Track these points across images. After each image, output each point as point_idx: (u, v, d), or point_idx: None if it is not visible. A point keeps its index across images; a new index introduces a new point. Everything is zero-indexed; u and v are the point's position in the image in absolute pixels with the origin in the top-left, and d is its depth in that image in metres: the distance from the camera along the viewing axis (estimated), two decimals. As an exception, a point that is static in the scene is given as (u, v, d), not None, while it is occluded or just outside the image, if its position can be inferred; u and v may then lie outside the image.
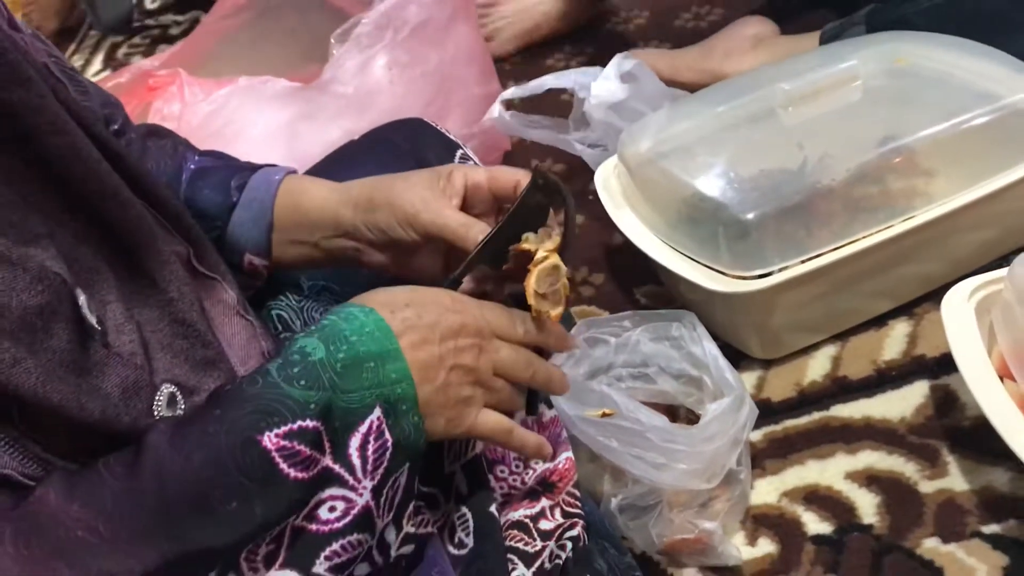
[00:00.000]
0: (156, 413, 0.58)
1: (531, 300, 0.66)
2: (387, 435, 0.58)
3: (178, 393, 0.60)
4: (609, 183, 1.19)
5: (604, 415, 0.92)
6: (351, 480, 0.57)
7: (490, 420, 0.65)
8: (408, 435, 0.59)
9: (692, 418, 1.01)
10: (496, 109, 1.25)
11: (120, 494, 0.51)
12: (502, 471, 0.78)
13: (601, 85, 1.17)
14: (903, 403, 1.01)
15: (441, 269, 0.77)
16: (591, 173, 1.30)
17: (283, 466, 0.53)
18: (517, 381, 0.67)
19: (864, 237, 1.02)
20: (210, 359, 0.64)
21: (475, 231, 0.72)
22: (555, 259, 0.69)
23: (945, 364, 1.03)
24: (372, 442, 0.57)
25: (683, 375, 0.99)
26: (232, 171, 0.81)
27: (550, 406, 0.84)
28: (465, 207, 0.75)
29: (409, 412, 0.59)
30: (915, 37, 1.15)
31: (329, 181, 0.81)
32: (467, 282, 0.72)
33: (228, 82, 1.18)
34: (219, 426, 0.53)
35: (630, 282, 1.27)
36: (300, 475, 0.54)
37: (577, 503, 0.79)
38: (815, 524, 0.93)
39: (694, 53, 1.53)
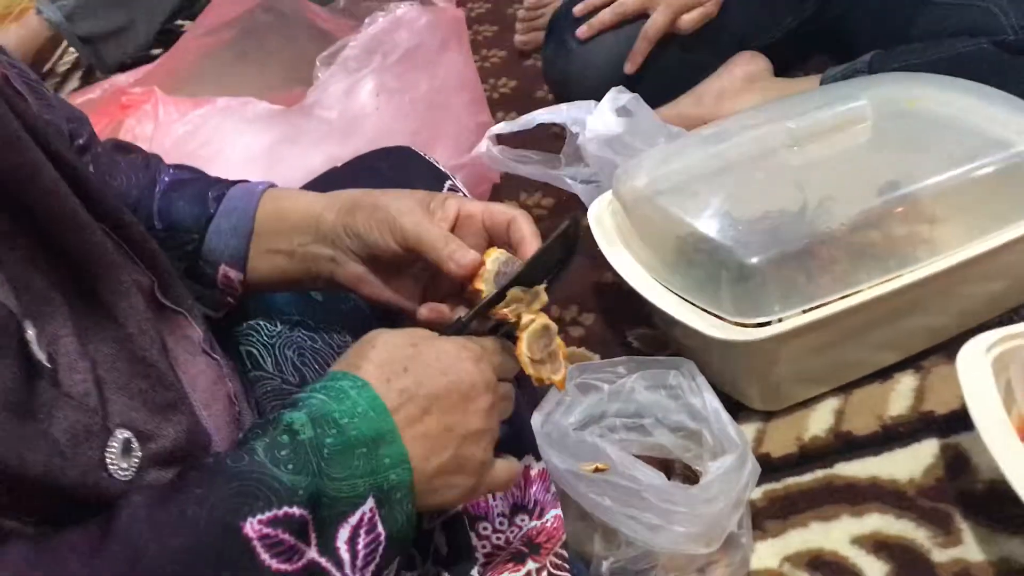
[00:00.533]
0: (108, 461, 0.52)
1: (529, 370, 0.63)
2: (380, 528, 0.54)
3: (133, 439, 0.55)
4: (603, 219, 1.13)
5: (597, 470, 0.86)
6: (339, 574, 0.52)
7: (503, 473, 0.62)
8: (402, 526, 0.55)
9: (688, 474, 0.95)
10: (485, 144, 1.20)
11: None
12: (485, 528, 0.73)
13: (596, 119, 1.12)
14: (912, 462, 0.96)
15: (419, 298, 0.72)
16: (581, 209, 1.25)
17: (264, 556, 0.49)
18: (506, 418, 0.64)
19: (872, 287, 0.97)
20: (170, 402, 0.58)
21: (456, 248, 0.67)
22: (543, 319, 0.65)
23: (955, 422, 0.98)
24: (363, 536, 0.53)
25: (681, 428, 0.93)
26: (209, 183, 0.77)
27: (538, 458, 0.78)
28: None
29: (404, 501, 0.55)
30: (928, 79, 1.11)
31: (316, 192, 0.76)
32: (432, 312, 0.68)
33: (206, 102, 1.12)
34: (200, 509, 0.48)
35: (622, 323, 1.21)
36: (282, 567, 0.50)
37: (565, 565, 0.73)
38: (820, 594, 0.87)
39: (686, 101, 1.48)
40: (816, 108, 1.06)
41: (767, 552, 0.91)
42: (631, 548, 0.85)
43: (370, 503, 0.53)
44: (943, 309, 1.05)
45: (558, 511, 0.75)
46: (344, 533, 0.52)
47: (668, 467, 0.96)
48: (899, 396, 1.03)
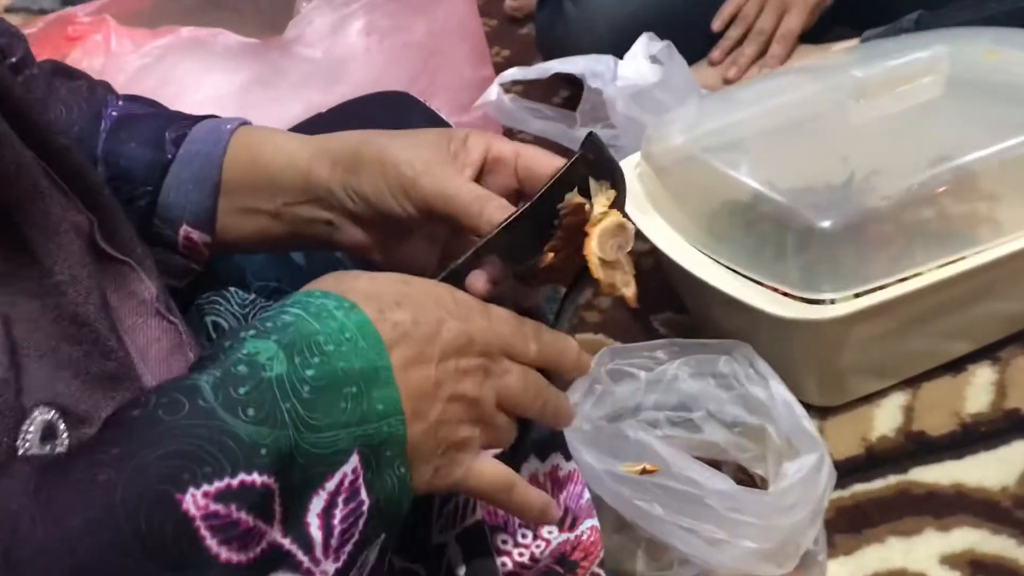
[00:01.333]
0: (22, 449, 0.42)
1: (597, 272, 0.50)
2: (363, 494, 0.43)
3: (60, 421, 0.44)
4: (631, 185, 0.97)
5: (644, 471, 0.71)
6: (307, 561, 0.41)
7: (487, 472, 0.49)
8: (392, 493, 0.44)
9: (743, 478, 0.80)
10: (494, 91, 1.04)
11: None
12: (504, 542, 0.61)
13: (628, 66, 0.97)
14: (1002, 468, 0.82)
15: (438, 263, 0.59)
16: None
17: (210, 542, 0.38)
18: (522, 414, 0.51)
19: (953, 262, 0.83)
20: (112, 374, 0.47)
21: (492, 208, 0.53)
22: (617, 216, 0.51)
23: (1048, 422, 0.84)
24: (341, 505, 0.42)
25: (737, 423, 0.78)
26: (167, 120, 0.63)
27: (568, 457, 0.64)
28: (479, 184, 0.57)
29: (394, 460, 0.44)
30: (1009, 32, 0.98)
31: (300, 134, 0.62)
32: (471, 279, 0.53)
33: (167, 32, 0.95)
34: (116, 473, 0.37)
35: (644, 308, 1.07)
36: (233, 556, 0.38)
37: None
38: (910, 623, 0.72)
39: (709, 68, 1.34)
40: (888, 56, 0.92)
41: (840, 572, 0.77)
42: (685, 567, 0.70)
43: (354, 461, 0.42)
44: (1018, 294, 0.91)
45: (595, 521, 0.62)
46: (318, 503, 0.41)
47: (717, 470, 0.81)
48: (977, 391, 0.90)
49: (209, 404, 0.39)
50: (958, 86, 0.93)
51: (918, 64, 0.93)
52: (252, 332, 0.42)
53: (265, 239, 0.61)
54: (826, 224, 0.79)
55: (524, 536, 0.62)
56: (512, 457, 0.61)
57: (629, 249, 0.52)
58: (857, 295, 0.81)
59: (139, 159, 0.61)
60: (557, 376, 0.54)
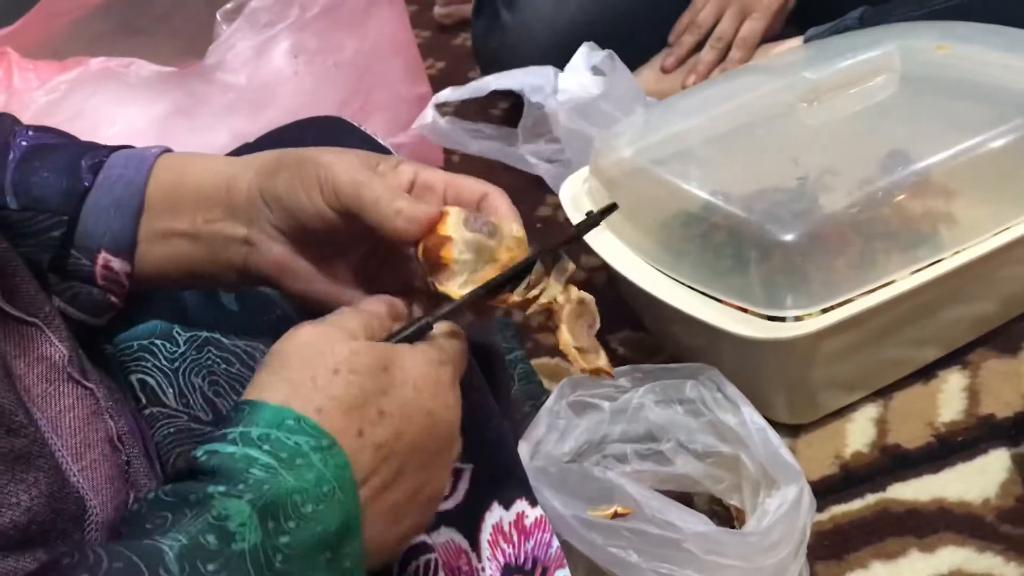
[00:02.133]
0: None
1: (578, 363, 0.49)
2: None
3: None
4: (579, 201, 0.94)
5: (616, 515, 0.66)
6: None
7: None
8: None
9: (718, 511, 0.76)
10: (429, 114, 0.99)
11: None
12: None
13: (569, 78, 0.92)
14: (982, 479, 0.79)
15: (356, 285, 0.55)
16: (542, 194, 1.07)
17: None
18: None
19: (920, 270, 0.80)
20: (22, 453, 0.43)
21: (401, 205, 0.50)
22: (576, 294, 0.50)
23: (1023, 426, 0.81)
24: None
25: (710, 453, 0.74)
26: (82, 149, 0.59)
27: (533, 502, 0.60)
28: None
29: None
30: (957, 26, 0.96)
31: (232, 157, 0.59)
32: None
33: (76, 64, 0.88)
34: None
35: (601, 327, 1.01)
36: None
37: None
38: (902, 656, 0.69)
39: (649, 73, 1.30)
40: (838, 55, 0.89)
41: (825, 604, 0.72)
42: (665, 615, 0.65)
43: None
44: (985, 296, 0.89)
45: (566, 571, 0.58)
46: None
47: (688, 504, 0.76)
48: (949, 398, 0.87)
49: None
50: (911, 84, 0.90)
51: (870, 63, 0.89)
52: (222, 488, 0.38)
53: (181, 266, 0.56)
54: (788, 237, 0.75)
55: (489, 590, 0.58)
56: (474, 507, 0.58)
57: (596, 324, 0.51)
58: (824, 310, 0.77)
59: (53, 187, 0.56)
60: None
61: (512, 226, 0.50)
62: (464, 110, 1.29)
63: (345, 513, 0.40)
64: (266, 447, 0.40)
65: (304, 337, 0.45)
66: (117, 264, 0.56)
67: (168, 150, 0.58)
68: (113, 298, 0.57)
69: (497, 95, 1.31)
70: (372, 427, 0.42)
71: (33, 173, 0.57)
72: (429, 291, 0.51)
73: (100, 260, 0.56)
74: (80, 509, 0.45)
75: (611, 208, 0.56)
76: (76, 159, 0.57)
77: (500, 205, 0.52)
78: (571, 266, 0.51)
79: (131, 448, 0.53)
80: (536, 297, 0.48)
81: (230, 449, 0.40)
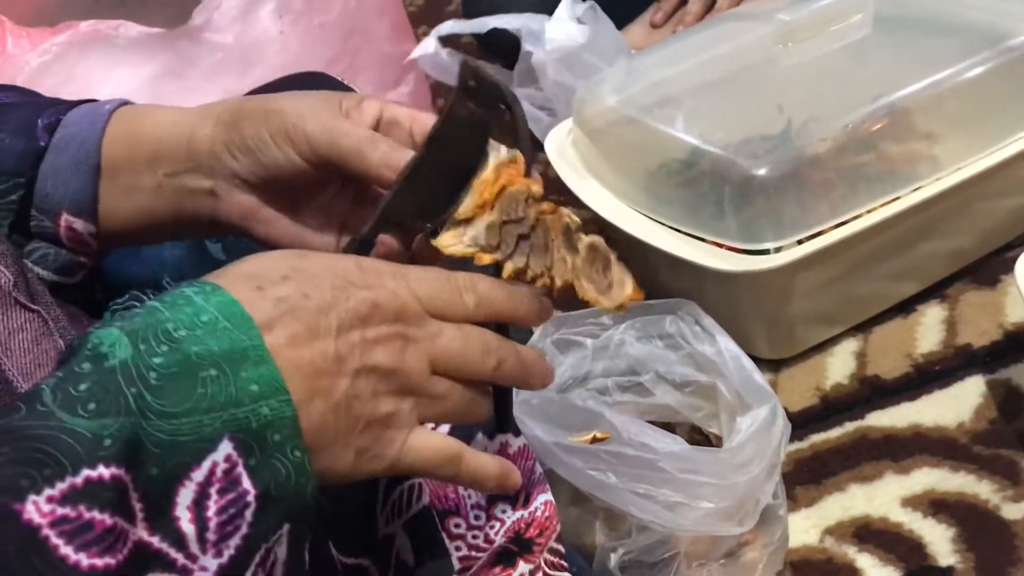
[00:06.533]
0: None
1: (605, 304, 0.47)
2: (245, 483, 0.39)
3: None
4: (564, 151, 0.96)
5: (595, 440, 0.69)
6: (181, 558, 0.38)
7: (426, 446, 0.45)
8: (285, 480, 0.40)
9: (699, 439, 0.78)
10: (432, 44, 1.00)
11: None
12: (457, 525, 0.58)
13: (556, 27, 0.93)
14: (957, 404, 0.81)
15: (326, 226, 0.55)
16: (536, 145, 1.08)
17: (65, 550, 0.34)
18: (472, 378, 0.46)
19: (891, 202, 0.82)
20: None
21: (386, 147, 0.50)
22: (585, 243, 0.48)
23: (1000, 354, 0.84)
24: (216, 495, 0.38)
25: (688, 383, 0.76)
26: (40, 108, 0.58)
27: (517, 433, 0.62)
28: None
29: (285, 444, 0.40)
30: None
31: (185, 107, 0.58)
32: (380, 242, 0.50)
33: (66, 28, 0.90)
34: None
35: (591, 276, 1.04)
36: (97, 561, 0.35)
37: (563, 563, 0.59)
38: (876, 570, 0.72)
39: (637, 29, 1.31)
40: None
41: (803, 525, 0.75)
42: (645, 534, 0.68)
43: (226, 448, 0.38)
44: (961, 229, 0.90)
45: (548, 496, 0.60)
46: (186, 495, 0.37)
47: (671, 432, 0.79)
48: (927, 330, 0.89)
49: (47, 407, 0.35)
50: (885, 22, 0.92)
51: (844, 3, 0.91)
52: (99, 325, 0.38)
53: (148, 221, 0.56)
54: (762, 172, 0.78)
55: (478, 518, 0.59)
56: (459, 439, 0.59)
57: (615, 256, 0.48)
58: (800, 242, 0.79)
59: (9, 150, 0.56)
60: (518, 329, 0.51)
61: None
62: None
63: (231, 340, 0.39)
64: (155, 300, 0.40)
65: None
66: (80, 225, 0.56)
67: (126, 102, 0.58)
68: (82, 258, 0.57)
69: (492, 55, 1.33)
70: (273, 286, 0.41)
71: None
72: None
73: (63, 222, 0.56)
74: None
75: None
76: (33, 119, 0.57)
77: None
78: (517, 154, 0.48)
79: None
80: (545, 276, 0.47)
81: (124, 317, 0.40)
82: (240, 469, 0.38)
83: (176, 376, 0.38)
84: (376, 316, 0.43)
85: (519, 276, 0.48)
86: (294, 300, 0.41)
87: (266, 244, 0.55)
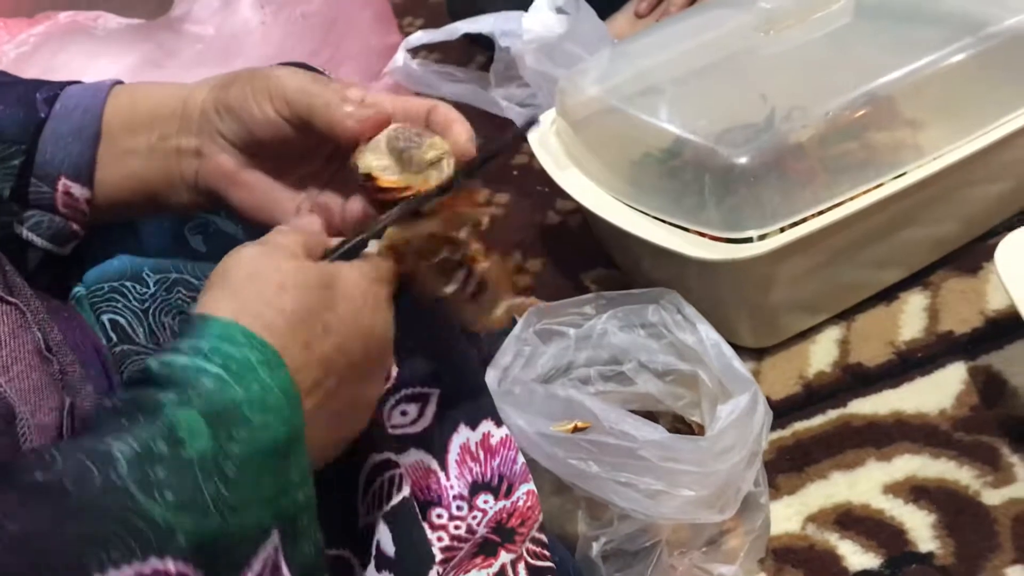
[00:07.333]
0: None
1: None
2: (284, 570, 0.40)
3: None
4: (548, 142, 0.95)
5: (576, 429, 0.69)
6: None
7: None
8: (309, 560, 0.42)
9: (681, 428, 0.78)
10: (401, 57, 1.00)
11: None
12: (439, 516, 0.59)
13: (533, 18, 0.93)
14: (939, 391, 0.81)
15: (309, 210, 0.56)
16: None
17: None
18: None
19: (873, 189, 0.82)
20: None
21: (350, 110, 0.52)
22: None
23: (981, 341, 0.84)
24: None
25: (670, 371, 0.76)
26: (35, 85, 0.60)
27: (499, 423, 0.62)
28: None
29: (311, 527, 0.42)
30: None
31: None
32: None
33: (44, 18, 0.89)
34: (13, 558, 0.32)
35: (574, 267, 1.05)
36: None
37: (546, 552, 0.60)
38: (857, 556, 0.72)
39: (622, 18, 1.31)
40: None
41: (785, 513, 0.75)
42: (626, 523, 0.68)
43: (275, 539, 0.39)
44: (944, 216, 0.90)
45: (531, 485, 0.60)
46: None
47: (652, 421, 0.79)
48: (910, 318, 0.89)
49: (123, 481, 0.35)
50: (867, 10, 0.92)
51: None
52: (173, 396, 0.38)
53: (139, 186, 0.57)
54: (744, 160, 0.77)
55: (460, 508, 0.60)
56: (441, 429, 0.60)
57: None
58: (783, 230, 0.79)
59: (9, 119, 0.57)
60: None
61: (437, 138, 0.51)
62: (443, 61, 1.31)
63: (291, 425, 0.41)
64: (216, 359, 0.40)
65: (248, 255, 0.46)
66: (77, 190, 0.57)
67: (120, 82, 0.59)
68: (75, 225, 0.58)
69: (475, 48, 1.32)
70: (318, 341, 0.43)
71: None
72: (373, 207, 0.53)
73: (60, 187, 0.57)
74: (10, 414, 0.46)
75: (532, 122, 0.57)
76: (31, 93, 0.58)
77: (449, 112, 0.53)
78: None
79: (64, 356, 0.53)
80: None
81: (182, 360, 0.40)
82: (280, 557, 0.39)
83: (250, 466, 0.39)
84: (387, 354, 0.49)
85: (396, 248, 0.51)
86: (334, 358, 0.44)
87: (239, 214, 0.57)
